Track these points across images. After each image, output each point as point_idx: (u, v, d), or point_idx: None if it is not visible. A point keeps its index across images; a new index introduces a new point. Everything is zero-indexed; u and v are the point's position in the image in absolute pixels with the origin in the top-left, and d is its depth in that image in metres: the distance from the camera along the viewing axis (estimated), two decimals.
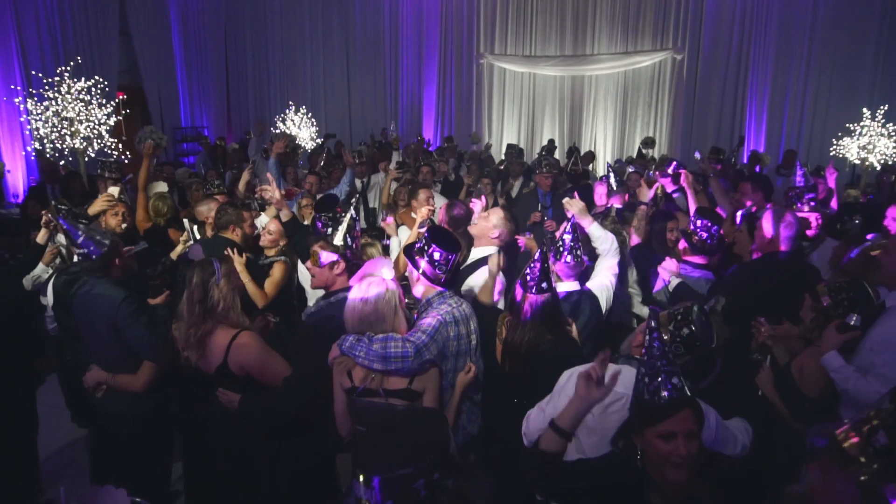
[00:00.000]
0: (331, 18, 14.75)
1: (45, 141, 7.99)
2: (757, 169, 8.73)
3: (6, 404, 3.40)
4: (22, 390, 3.56)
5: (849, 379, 2.50)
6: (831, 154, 10.34)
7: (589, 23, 13.68)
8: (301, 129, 12.26)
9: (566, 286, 3.21)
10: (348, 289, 2.88)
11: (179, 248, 4.13)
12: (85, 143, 8.16)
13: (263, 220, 4.55)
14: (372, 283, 2.37)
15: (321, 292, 3.07)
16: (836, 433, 1.50)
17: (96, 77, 8.36)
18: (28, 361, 3.68)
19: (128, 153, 8.45)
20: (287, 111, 12.32)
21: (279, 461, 2.72)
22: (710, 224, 3.57)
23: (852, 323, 2.59)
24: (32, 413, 3.64)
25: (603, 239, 3.40)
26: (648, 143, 11.11)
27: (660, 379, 1.72)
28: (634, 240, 4.02)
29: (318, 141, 12.27)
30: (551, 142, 12.51)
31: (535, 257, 2.61)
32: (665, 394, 1.71)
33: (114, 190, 4.33)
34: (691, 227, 3.67)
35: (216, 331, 2.65)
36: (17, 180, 9.75)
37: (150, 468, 3.11)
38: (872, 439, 1.44)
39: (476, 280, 3.27)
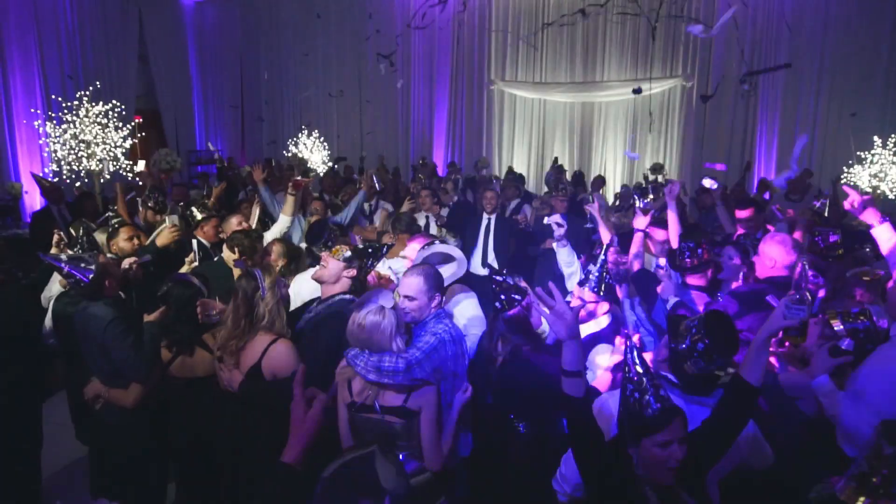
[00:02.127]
0: (344, 42, 15.01)
1: (63, 163, 8.18)
2: (766, 196, 8.71)
3: (12, 419, 3.44)
4: (28, 406, 3.59)
5: (838, 405, 2.44)
6: (842, 181, 10.31)
7: (598, 49, 13.83)
8: (313, 152, 12.45)
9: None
10: (344, 293, 2.96)
11: (185, 269, 4.16)
12: (101, 165, 8.34)
13: None
14: (370, 311, 2.38)
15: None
16: (839, 491, 1.54)
17: (114, 101, 8.58)
18: (35, 377, 3.71)
19: (139, 175, 8.61)
20: (300, 135, 12.54)
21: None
22: (692, 245, 3.59)
23: (844, 347, 2.53)
24: (37, 429, 3.67)
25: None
26: (657, 168, 11.12)
27: (649, 394, 1.87)
28: (636, 266, 4.03)
29: (330, 164, 12.45)
30: (561, 166, 12.50)
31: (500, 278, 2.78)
32: (657, 406, 1.85)
33: (174, 218, 4.42)
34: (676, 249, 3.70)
35: (256, 336, 2.71)
36: (35, 201, 9.95)
37: (147, 484, 3.15)
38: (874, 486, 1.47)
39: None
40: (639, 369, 1.91)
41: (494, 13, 14.36)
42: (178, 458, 3.30)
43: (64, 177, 8.22)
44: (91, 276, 2.96)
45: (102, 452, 3.25)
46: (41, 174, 8.91)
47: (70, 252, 3.77)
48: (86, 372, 3.22)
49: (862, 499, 1.49)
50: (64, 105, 8.21)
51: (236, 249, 4.06)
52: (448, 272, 3.17)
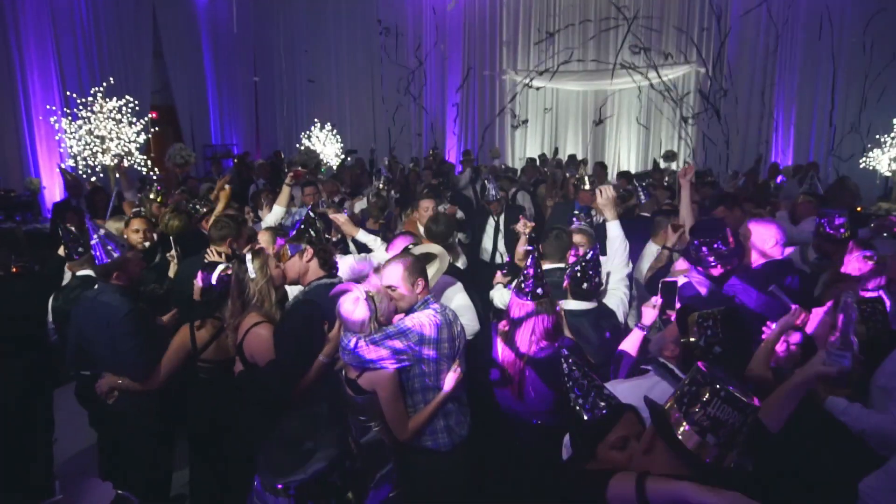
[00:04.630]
0: (356, 37, 15.05)
1: (78, 158, 8.33)
2: (778, 180, 8.61)
3: (25, 404, 3.53)
4: (40, 391, 3.69)
5: (860, 418, 2.23)
6: (861, 167, 10.13)
7: (612, 37, 13.68)
8: (325, 145, 12.52)
9: (580, 305, 3.15)
10: (322, 276, 2.97)
11: (173, 268, 4.12)
12: (115, 160, 8.48)
13: None
14: (347, 300, 2.48)
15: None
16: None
17: (127, 97, 8.70)
18: (48, 364, 3.80)
19: (156, 169, 8.75)
20: (312, 128, 12.61)
21: None
22: (709, 241, 3.51)
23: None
24: (49, 414, 3.77)
25: (618, 241, 3.39)
26: (669, 156, 11.01)
27: (592, 395, 1.78)
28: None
29: (342, 156, 12.53)
30: (574, 156, 12.39)
31: (528, 263, 2.67)
32: (602, 404, 1.77)
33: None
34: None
35: (247, 315, 2.84)
36: (54, 196, 10.15)
37: (152, 470, 3.22)
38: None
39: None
40: (576, 373, 1.85)
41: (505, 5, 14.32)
42: (196, 440, 3.35)
43: (80, 171, 8.37)
44: (106, 261, 2.95)
45: (110, 438, 3.34)
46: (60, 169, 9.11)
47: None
48: (90, 363, 3.21)
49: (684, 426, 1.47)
50: (79, 101, 8.35)
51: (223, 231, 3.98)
52: (432, 270, 3.15)
